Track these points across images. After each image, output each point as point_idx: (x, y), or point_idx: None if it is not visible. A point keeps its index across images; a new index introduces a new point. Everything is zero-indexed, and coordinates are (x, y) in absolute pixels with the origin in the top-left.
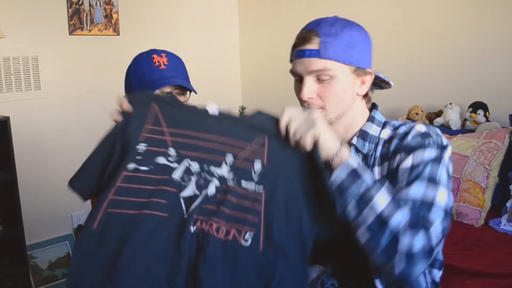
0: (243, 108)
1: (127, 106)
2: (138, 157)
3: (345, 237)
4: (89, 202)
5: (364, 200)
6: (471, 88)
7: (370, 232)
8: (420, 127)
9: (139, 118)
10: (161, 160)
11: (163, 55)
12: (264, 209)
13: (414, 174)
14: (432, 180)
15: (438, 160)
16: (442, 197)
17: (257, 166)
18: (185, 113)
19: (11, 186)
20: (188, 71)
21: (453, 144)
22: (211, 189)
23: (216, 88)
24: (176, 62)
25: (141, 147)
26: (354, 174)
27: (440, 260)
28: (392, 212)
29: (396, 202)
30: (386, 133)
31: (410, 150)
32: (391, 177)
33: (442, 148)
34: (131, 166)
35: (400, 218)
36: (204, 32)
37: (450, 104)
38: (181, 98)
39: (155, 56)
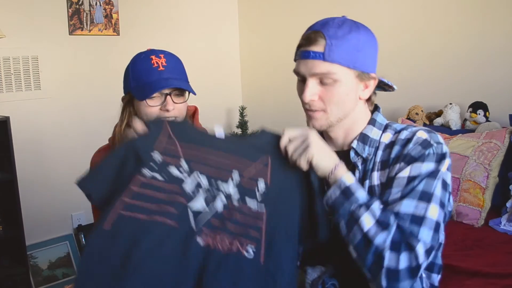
0: (243, 108)
1: (142, 129)
2: (152, 164)
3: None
4: (89, 203)
5: (353, 219)
6: (471, 88)
7: (357, 250)
8: (422, 134)
9: (154, 132)
10: (173, 170)
11: (162, 56)
12: (265, 226)
13: (409, 188)
14: (425, 196)
15: (434, 174)
16: (434, 212)
17: (261, 185)
18: (194, 133)
19: (11, 186)
20: (188, 71)
21: (453, 144)
22: (219, 205)
23: (216, 88)
24: (174, 63)
25: (156, 155)
26: (347, 192)
27: (439, 264)
28: (377, 232)
29: (385, 219)
30: (387, 137)
31: (409, 160)
32: (389, 185)
33: (441, 158)
34: (146, 172)
35: (384, 237)
36: (204, 32)
37: (450, 104)
38: (180, 99)
39: (153, 57)
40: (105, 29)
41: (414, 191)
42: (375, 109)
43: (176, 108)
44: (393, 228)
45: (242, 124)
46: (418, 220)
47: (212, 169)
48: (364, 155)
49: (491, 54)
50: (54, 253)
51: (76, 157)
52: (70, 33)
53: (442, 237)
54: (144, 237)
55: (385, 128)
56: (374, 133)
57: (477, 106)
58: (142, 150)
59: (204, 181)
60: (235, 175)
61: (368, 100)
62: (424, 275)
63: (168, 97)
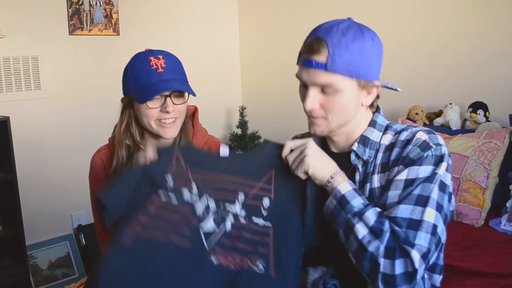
0: (243, 108)
1: (153, 155)
2: (167, 186)
3: None
4: (89, 203)
5: (349, 227)
6: (471, 88)
7: (354, 257)
8: (421, 135)
9: (165, 158)
10: (185, 193)
11: (160, 57)
12: (272, 241)
13: (406, 192)
14: (422, 200)
15: (431, 177)
16: (430, 216)
17: (266, 202)
18: (201, 156)
19: (11, 186)
20: (188, 71)
21: (453, 144)
22: (228, 226)
23: (216, 88)
24: (173, 63)
25: (169, 178)
26: (342, 202)
27: (441, 265)
28: (371, 240)
29: (378, 225)
30: (387, 138)
31: (407, 162)
32: (387, 187)
33: (440, 160)
34: (162, 194)
35: (377, 244)
36: (204, 32)
37: (450, 104)
38: (179, 101)
39: (152, 58)
40: (105, 29)
41: (410, 195)
42: (376, 110)
43: (176, 109)
44: (387, 235)
45: (242, 124)
46: (415, 224)
47: (219, 192)
48: (365, 158)
49: (491, 54)
50: (54, 253)
51: (76, 157)
52: (70, 33)
53: (444, 237)
54: (161, 256)
55: (386, 129)
56: (374, 135)
57: (477, 106)
58: (157, 173)
59: (212, 204)
60: (241, 196)
61: (371, 106)
62: (425, 276)
63: (168, 98)
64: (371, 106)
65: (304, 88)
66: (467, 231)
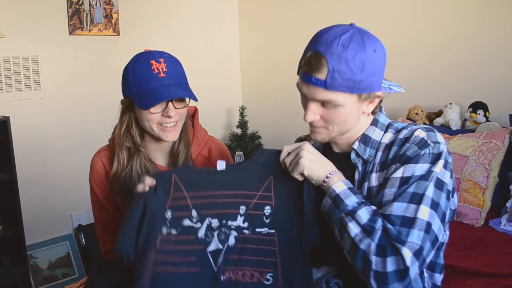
0: (243, 108)
1: (150, 181)
2: (168, 223)
3: None
4: (89, 203)
5: (343, 226)
6: (471, 88)
7: (349, 255)
8: (420, 133)
9: (164, 190)
10: (186, 222)
11: (161, 60)
12: (278, 248)
13: (401, 190)
14: (416, 198)
15: (427, 175)
16: (424, 213)
17: (267, 210)
18: (199, 176)
19: (11, 186)
20: (188, 71)
21: (453, 144)
22: (231, 241)
23: (216, 88)
24: (174, 67)
25: (169, 214)
26: (336, 201)
27: (441, 264)
28: (362, 238)
29: (371, 223)
30: (387, 137)
31: (404, 160)
32: (383, 185)
33: (437, 158)
34: (164, 230)
35: (368, 242)
36: (204, 32)
37: (450, 104)
38: (181, 105)
39: (153, 62)
40: (105, 29)
41: (405, 193)
42: (378, 108)
43: (177, 113)
44: (378, 233)
45: (242, 124)
46: (408, 222)
47: (221, 210)
48: (365, 157)
49: (491, 54)
50: (54, 253)
51: (76, 157)
52: (70, 33)
53: (445, 236)
54: (177, 287)
55: (387, 128)
56: (376, 134)
57: (477, 106)
58: (156, 212)
59: (214, 224)
60: (242, 210)
61: (373, 112)
62: (426, 275)
63: (170, 103)
64: (374, 109)
65: (305, 97)
66: (467, 231)
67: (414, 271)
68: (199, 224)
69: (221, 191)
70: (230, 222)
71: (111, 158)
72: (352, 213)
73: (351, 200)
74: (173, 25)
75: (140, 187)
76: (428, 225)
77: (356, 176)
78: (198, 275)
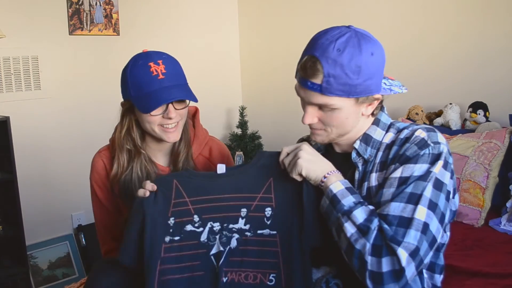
0: (243, 108)
1: (151, 187)
2: (170, 230)
3: None
4: (89, 203)
5: (340, 226)
6: (471, 88)
7: (346, 255)
8: (420, 133)
9: (165, 197)
10: (188, 227)
11: (160, 62)
12: (280, 248)
13: (399, 190)
14: (414, 198)
15: (425, 176)
16: (421, 214)
17: (268, 212)
18: (200, 180)
19: (11, 186)
20: (188, 71)
21: (453, 144)
22: (233, 243)
23: (216, 88)
24: (173, 68)
25: (171, 221)
26: (334, 201)
27: (441, 265)
28: (358, 238)
29: (366, 223)
30: (389, 137)
31: (403, 160)
32: (382, 185)
33: (436, 159)
34: (167, 239)
35: (363, 242)
36: (204, 32)
37: (450, 104)
38: (181, 105)
39: (151, 64)
40: (105, 29)
41: (403, 193)
42: (380, 108)
43: (178, 114)
44: (374, 233)
45: (242, 124)
46: (405, 222)
47: (223, 213)
48: (366, 156)
49: (491, 54)
50: (54, 253)
51: (76, 157)
52: (70, 33)
53: (445, 237)
54: None
55: (389, 128)
56: (377, 133)
57: (477, 106)
58: (159, 221)
59: (216, 226)
60: (243, 212)
61: (373, 114)
62: (426, 276)
63: (170, 105)
64: (374, 111)
65: (303, 100)
66: (467, 231)
67: (410, 271)
68: (201, 229)
69: (222, 195)
70: (231, 225)
71: (112, 158)
72: (348, 213)
73: (348, 200)
74: (173, 25)
75: (140, 192)
76: (425, 225)
77: (356, 175)
78: (202, 278)
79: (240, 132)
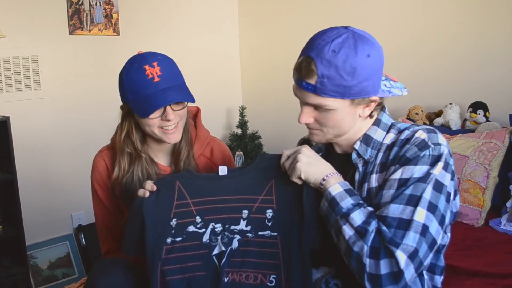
0: (243, 108)
1: (151, 187)
2: (172, 231)
3: None
4: (89, 203)
5: (338, 228)
6: (471, 88)
7: (345, 257)
8: (421, 134)
9: (168, 198)
10: (191, 228)
11: (155, 64)
12: (281, 250)
13: (399, 192)
14: (413, 200)
15: (425, 177)
16: (421, 216)
17: (269, 213)
18: (202, 182)
19: (11, 186)
20: (188, 71)
21: (453, 144)
22: (235, 244)
23: (216, 88)
24: (169, 69)
25: (173, 222)
26: (332, 203)
27: (441, 266)
28: (356, 240)
29: (364, 225)
30: (389, 137)
31: (403, 162)
32: (382, 187)
33: (436, 160)
34: (169, 240)
35: (361, 244)
36: (204, 32)
37: (450, 104)
38: (179, 106)
39: (146, 67)
40: (105, 29)
41: (402, 194)
42: (381, 109)
43: (176, 115)
44: (371, 235)
45: (242, 124)
46: (404, 224)
47: (224, 215)
48: (366, 157)
49: (491, 54)
50: (54, 253)
51: (76, 157)
52: (70, 33)
53: (445, 238)
54: None
55: (390, 128)
56: (378, 134)
57: (477, 106)
58: (161, 222)
59: (218, 227)
60: (245, 214)
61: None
62: (426, 277)
63: (168, 107)
64: (372, 112)
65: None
66: (467, 231)
67: (409, 274)
68: (203, 230)
69: (224, 196)
70: (233, 227)
71: (113, 158)
72: (346, 216)
73: (346, 202)
74: (173, 25)
75: (140, 192)
76: (425, 227)
77: (357, 176)
78: (203, 278)
79: (240, 132)
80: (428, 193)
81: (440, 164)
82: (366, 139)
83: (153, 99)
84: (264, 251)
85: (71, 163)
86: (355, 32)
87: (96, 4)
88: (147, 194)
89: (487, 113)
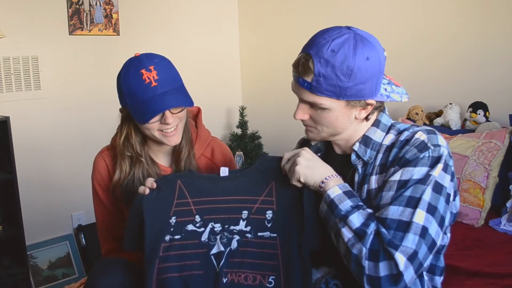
0: (243, 108)
1: (151, 184)
2: (171, 229)
3: None
4: (89, 203)
5: (337, 231)
6: (471, 88)
7: (345, 259)
8: (420, 135)
9: (168, 196)
10: (190, 227)
11: (152, 68)
12: (280, 251)
13: (398, 193)
14: (412, 202)
15: (425, 179)
16: (420, 217)
17: (269, 215)
18: (203, 182)
19: (11, 186)
20: (188, 71)
21: (453, 144)
22: (234, 244)
23: (216, 88)
24: (166, 72)
25: (173, 220)
26: (331, 206)
27: (441, 267)
28: (354, 242)
29: (363, 228)
30: (389, 138)
31: (403, 163)
32: (382, 188)
33: (436, 162)
34: (167, 238)
35: (360, 247)
36: (204, 32)
37: (450, 104)
38: (178, 109)
39: (143, 71)
40: (105, 29)
41: (402, 196)
42: (380, 111)
43: (176, 118)
44: (370, 238)
45: (242, 124)
46: (404, 226)
47: (223, 215)
48: (365, 159)
49: (491, 54)
50: (54, 253)
51: (76, 157)
52: (70, 33)
53: (445, 239)
54: None
55: (389, 129)
56: (377, 135)
57: (477, 106)
58: (160, 220)
59: (217, 227)
60: (245, 214)
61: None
62: (426, 278)
63: (167, 111)
64: (368, 115)
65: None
66: (467, 231)
67: (409, 276)
68: (202, 229)
69: (224, 197)
70: (232, 227)
71: (114, 158)
72: (345, 218)
73: (345, 205)
74: (173, 25)
75: (141, 189)
76: (424, 229)
77: (356, 178)
78: (201, 277)
79: (240, 132)
80: (427, 195)
81: (440, 166)
82: (365, 140)
83: (151, 105)
84: (263, 252)
85: (71, 163)
86: (358, 33)
87: (96, 4)
88: (147, 191)
89: (487, 113)
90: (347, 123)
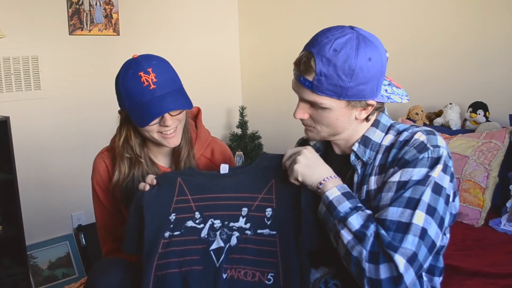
0: (243, 108)
1: (151, 180)
2: (171, 226)
3: None
4: (89, 203)
5: (337, 233)
6: (471, 88)
7: (344, 260)
8: (420, 136)
9: (168, 193)
10: (189, 223)
11: (150, 70)
12: (279, 249)
13: (397, 195)
14: (412, 203)
15: (424, 180)
16: (419, 219)
17: (268, 212)
18: (203, 179)
19: (11, 186)
20: (188, 72)
21: (453, 144)
22: (233, 241)
23: (216, 88)
24: (165, 74)
25: (172, 216)
26: (330, 207)
27: (441, 267)
28: (354, 245)
29: (362, 229)
30: (388, 139)
31: (402, 164)
32: (381, 189)
33: (435, 163)
34: (167, 234)
35: (360, 249)
36: (204, 32)
37: (450, 104)
38: (176, 111)
39: (142, 74)
40: (105, 29)
41: (401, 197)
42: (381, 111)
43: (175, 120)
44: (370, 240)
45: (242, 124)
46: (403, 227)
47: (223, 212)
48: (365, 159)
49: (491, 54)
50: (54, 253)
51: (76, 157)
52: (70, 33)
53: (444, 240)
54: (180, 286)
55: (389, 129)
56: (376, 135)
57: (477, 106)
58: (160, 216)
59: (217, 223)
60: (244, 211)
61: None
62: (425, 278)
63: (165, 114)
64: (369, 116)
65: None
66: (467, 231)
67: (409, 277)
68: (202, 225)
69: (224, 194)
70: (232, 223)
71: (113, 159)
72: (344, 220)
73: (344, 206)
74: (173, 25)
75: (141, 186)
76: (423, 230)
77: (355, 178)
78: (200, 272)
79: (240, 132)
80: (427, 196)
81: (439, 167)
82: (365, 141)
83: (150, 108)
84: (262, 249)
85: (71, 163)
86: (361, 33)
87: (96, 4)
88: (147, 187)
89: (487, 113)
90: (347, 123)
